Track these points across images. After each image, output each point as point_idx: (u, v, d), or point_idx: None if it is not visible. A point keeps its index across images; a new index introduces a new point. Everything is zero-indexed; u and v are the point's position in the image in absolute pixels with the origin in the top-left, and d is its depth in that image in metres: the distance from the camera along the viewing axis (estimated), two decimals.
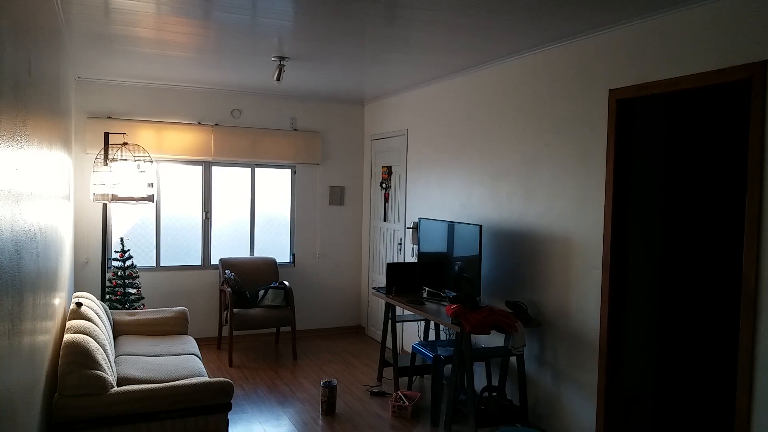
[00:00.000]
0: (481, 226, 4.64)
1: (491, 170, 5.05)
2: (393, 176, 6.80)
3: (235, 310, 6.04)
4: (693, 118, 4.48)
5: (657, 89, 3.55)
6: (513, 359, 4.55)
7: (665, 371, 4.50)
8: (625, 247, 3.94)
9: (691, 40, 3.36)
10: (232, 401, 3.59)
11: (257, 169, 7.08)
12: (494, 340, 4.72)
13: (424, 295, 5.30)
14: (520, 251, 4.69)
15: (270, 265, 6.85)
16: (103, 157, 5.69)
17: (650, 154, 4.37)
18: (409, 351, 5.34)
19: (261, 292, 6.35)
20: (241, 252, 7.04)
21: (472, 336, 4.39)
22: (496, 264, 4.95)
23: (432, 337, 5.62)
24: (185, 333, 5.20)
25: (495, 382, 4.75)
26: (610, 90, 3.88)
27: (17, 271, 2.00)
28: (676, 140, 4.46)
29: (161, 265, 6.62)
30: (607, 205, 3.89)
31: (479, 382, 4.80)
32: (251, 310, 6.16)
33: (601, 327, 3.94)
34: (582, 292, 4.10)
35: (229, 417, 3.62)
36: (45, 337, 2.98)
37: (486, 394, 4.63)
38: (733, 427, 3.11)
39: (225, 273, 6.37)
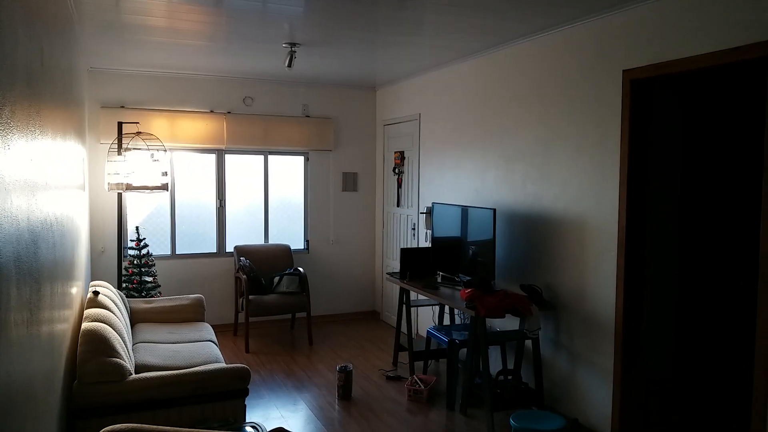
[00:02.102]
0: (495, 210, 4.62)
1: (506, 153, 5.02)
2: (406, 161, 6.77)
3: (250, 297, 6.08)
4: (712, 97, 4.41)
5: (673, 69, 3.49)
6: (528, 343, 4.55)
7: (684, 355, 4.48)
8: (642, 230, 3.91)
9: (708, 17, 3.29)
10: (249, 387, 3.62)
11: (270, 157, 7.09)
12: (509, 323, 4.71)
13: (439, 279, 5.30)
14: (535, 234, 4.67)
15: (284, 251, 6.88)
16: (117, 146, 5.71)
17: (667, 135, 4.32)
18: (424, 335, 5.35)
19: (276, 279, 6.38)
20: (256, 239, 7.07)
21: (487, 320, 4.39)
22: (510, 248, 4.93)
23: (447, 321, 5.63)
24: (202, 320, 5.24)
25: (510, 365, 4.75)
26: (624, 70, 3.83)
27: (34, 260, 2.02)
28: (694, 121, 4.40)
29: (177, 253, 6.67)
30: (622, 187, 3.85)
31: (494, 365, 4.80)
32: (266, 296, 6.20)
33: (616, 309, 3.92)
34: (597, 274, 4.08)
35: (246, 402, 3.64)
36: (63, 326, 3.02)
37: (501, 377, 4.63)
38: (750, 411, 3.09)
39: (240, 260, 6.40)
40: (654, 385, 4.34)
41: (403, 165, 6.83)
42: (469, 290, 4.33)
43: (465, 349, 4.59)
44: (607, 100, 3.98)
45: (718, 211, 4.41)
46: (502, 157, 5.06)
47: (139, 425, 2.19)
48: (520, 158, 4.83)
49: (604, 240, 4.01)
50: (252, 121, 6.83)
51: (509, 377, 4.63)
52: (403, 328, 5.46)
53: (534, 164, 4.67)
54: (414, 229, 6.58)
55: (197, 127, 6.59)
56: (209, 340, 4.62)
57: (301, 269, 6.50)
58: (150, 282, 6.06)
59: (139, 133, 5.86)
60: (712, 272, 4.41)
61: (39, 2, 2.35)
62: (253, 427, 3.36)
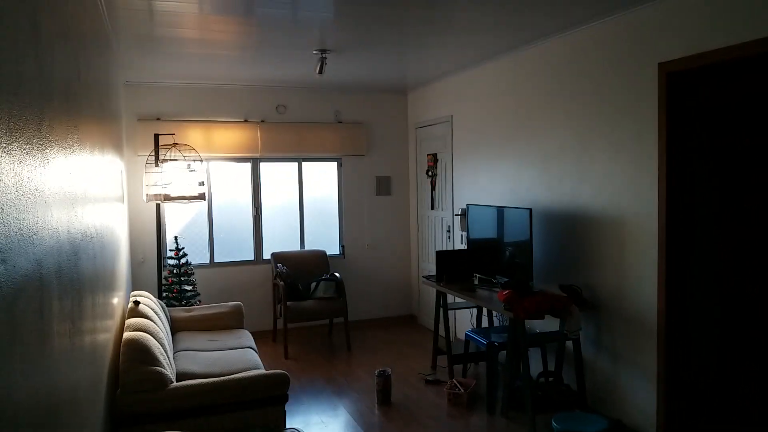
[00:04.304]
0: (531, 210, 4.56)
1: (541, 152, 4.95)
2: (439, 163, 6.74)
3: (288, 303, 6.12)
4: (752, 89, 4.27)
5: (710, 60, 3.39)
6: (569, 343, 4.47)
7: (730, 353, 4.34)
8: (683, 226, 3.80)
9: (747, 4, 3.19)
10: (289, 393, 3.64)
11: (304, 163, 7.14)
12: (549, 324, 4.64)
13: (475, 281, 5.25)
14: (572, 234, 4.59)
15: (320, 257, 6.91)
16: (154, 158, 5.82)
17: (706, 128, 4.19)
18: (463, 338, 5.31)
19: (313, 285, 6.41)
20: (292, 245, 7.12)
21: (527, 321, 4.33)
22: (548, 248, 4.86)
23: (485, 323, 5.57)
24: (241, 327, 5.30)
25: (551, 367, 4.67)
26: (659, 63, 3.74)
27: (75, 271, 2.05)
28: (733, 113, 4.27)
29: (215, 261, 6.76)
30: (661, 183, 3.75)
31: (535, 367, 4.73)
32: (304, 302, 6.23)
33: (659, 308, 3.82)
34: (638, 273, 3.98)
35: (286, 408, 3.66)
36: (105, 336, 3.08)
37: (542, 379, 4.56)
38: None
39: (277, 267, 6.45)
40: (699, 385, 4.22)
41: (436, 167, 6.80)
42: (506, 292, 4.28)
43: (504, 352, 4.53)
44: (643, 94, 3.89)
45: (761, 205, 4.26)
46: (537, 156, 5.00)
47: None
48: (556, 157, 4.76)
49: (644, 238, 3.92)
50: (285, 129, 6.89)
51: (550, 379, 4.56)
52: (441, 331, 5.42)
53: (570, 162, 4.60)
54: (449, 231, 6.53)
55: (232, 136, 6.67)
56: (249, 347, 4.65)
57: (337, 274, 6.52)
58: (189, 290, 6.14)
59: (175, 144, 5.96)
60: (759, 266, 4.26)
61: (75, 19, 2.40)
62: None
